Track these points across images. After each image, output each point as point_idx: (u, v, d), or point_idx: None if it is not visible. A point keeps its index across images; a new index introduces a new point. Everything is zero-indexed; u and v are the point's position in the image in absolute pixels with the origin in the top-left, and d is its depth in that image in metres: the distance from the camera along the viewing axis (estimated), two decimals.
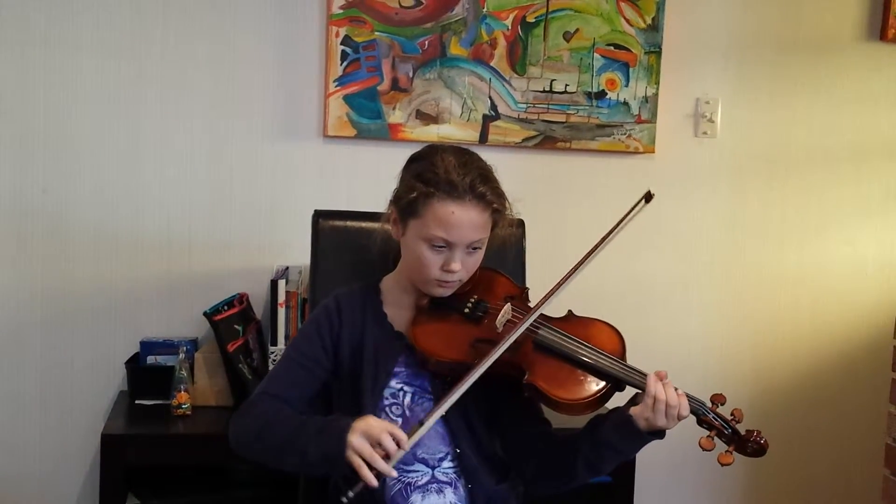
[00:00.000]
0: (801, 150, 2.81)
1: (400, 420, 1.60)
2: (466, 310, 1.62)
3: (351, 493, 1.39)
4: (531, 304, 1.61)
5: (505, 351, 1.48)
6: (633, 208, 1.60)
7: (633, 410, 1.51)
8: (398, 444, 1.41)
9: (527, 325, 1.54)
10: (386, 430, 1.41)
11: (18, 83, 2.36)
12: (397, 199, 1.61)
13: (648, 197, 1.60)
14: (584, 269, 1.58)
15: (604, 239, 1.58)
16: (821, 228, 2.84)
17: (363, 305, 1.66)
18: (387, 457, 1.40)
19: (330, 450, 1.43)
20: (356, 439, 1.40)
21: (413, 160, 1.62)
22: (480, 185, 1.54)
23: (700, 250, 2.78)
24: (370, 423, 1.43)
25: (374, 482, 1.38)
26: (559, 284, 1.57)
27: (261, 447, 1.54)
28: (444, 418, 1.59)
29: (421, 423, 1.44)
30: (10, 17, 2.34)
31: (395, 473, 1.41)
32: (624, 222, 1.59)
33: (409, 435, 1.42)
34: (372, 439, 1.41)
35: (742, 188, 2.79)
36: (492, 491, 1.63)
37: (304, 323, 1.68)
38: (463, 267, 1.57)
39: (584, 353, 1.56)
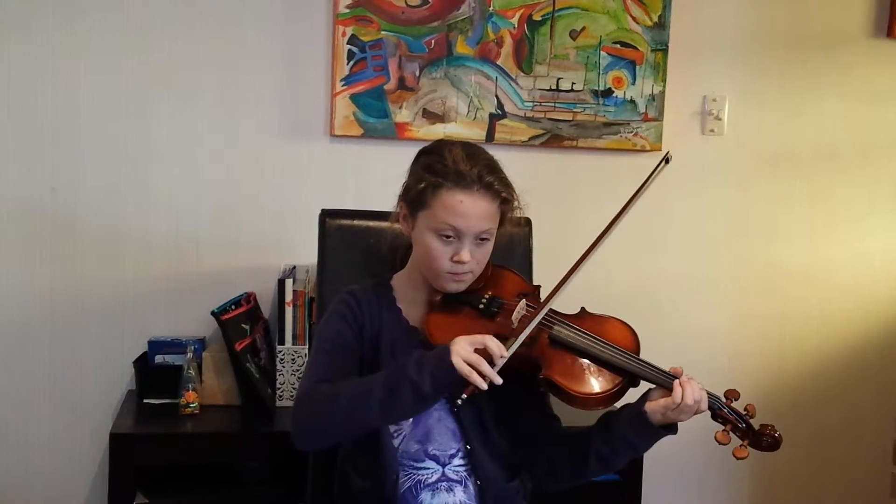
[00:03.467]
0: (809, 148, 2.80)
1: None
2: (481, 306, 1.62)
3: (464, 396, 1.40)
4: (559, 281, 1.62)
5: (521, 346, 1.49)
6: (653, 171, 1.63)
7: (648, 406, 1.52)
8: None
9: (564, 288, 1.55)
10: (488, 337, 1.43)
11: (27, 83, 2.36)
12: (406, 193, 1.62)
13: (668, 159, 1.64)
14: (602, 252, 1.59)
15: (626, 205, 1.61)
16: (829, 226, 2.84)
17: (378, 300, 1.67)
18: (490, 363, 1.41)
19: (437, 367, 1.41)
20: (461, 347, 1.41)
21: (422, 154, 1.64)
22: (488, 175, 1.56)
23: (708, 248, 2.78)
24: (469, 335, 1.44)
25: (483, 384, 1.39)
26: (591, 248, 1.58)
27: (345, 414, 1.47)
28: (456, 415, 1.59)
29: (515, 337, 1.47)
30: (18, 17, 2.34)
31: (499, 380, 1.40)
32: (646, 185, 1.62)
33: (506, 346, 1.44)
34: (476, 343, 1.42)
35: (749, 186, 2.78)
36: (501, 489, 1.63)
37: (325, 318, 1.66)
38: (472, 258, 1.57)
39: (599, 348, 1.57)
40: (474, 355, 1.41)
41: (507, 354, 1.43)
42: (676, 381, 1.51)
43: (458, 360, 1.40)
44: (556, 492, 1.68)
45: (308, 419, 1.50)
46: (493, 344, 1.42)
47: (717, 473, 2.83)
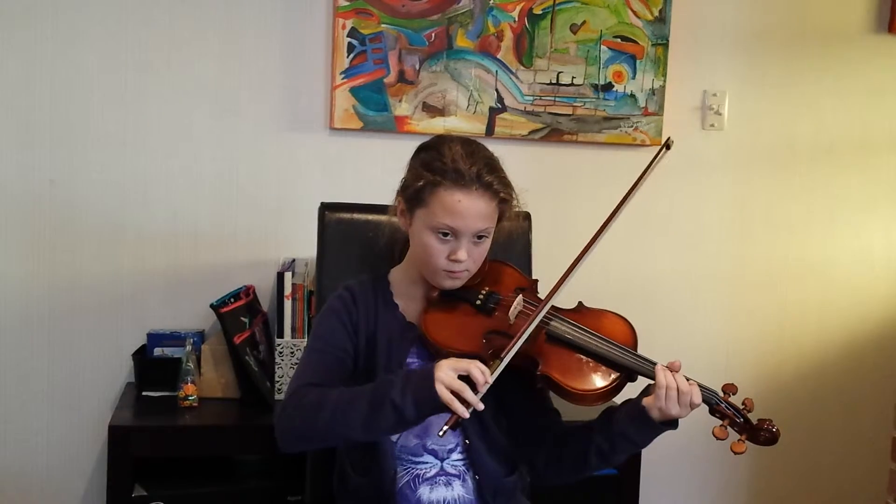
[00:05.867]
0: (809, 143, 2.80)
1: None
2: (478, 302, 1.62)
3: (446, 428, 1.39)
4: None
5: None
6: (655, 157, 1.63)
7: (646, 401, 1.52)
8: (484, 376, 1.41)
9: (561, 289, 1.54)
10: (472, 363, 1.41)
11: (26, 76, 2.36)
12: (404, 189, 1.61)
13: (668, 144, 1.64)
14: (601, 247, 1.58)
15: (628, 193, 1.61)
16: (828, 221, 2.84)
17: (374, 296, 1.66)
18: (474, 389, 1.40)
19: (420, 391, 1.40)
20: (444, 374, 1.40)
21: (421, 150, 1.63)
22: (487, 175, 1.55)
23: (707, 243, 2.78)
24: (453, 360, 1.43)
25: (465, 413, 1.37)
26: (592, 241, 1.58)
27: (327, 425, 1.46)
28: None
29: (500, 359, 1.45)
30: (18, 10, 2.34)
31: (482, 406, 1.39)
32: (648, 172, 1.62)
33: (491, 370, 1.42)
34: (460, 370, 1.40)
35: (749, 181, 2.78)
36: (500, 483, 1.63)
37: (321, 314, 1.66)
38: (469, 257, 1.57)
39: (596, 343, 1.57)
40: (458, 382, 1.39)
41: (491, 380, 1.41)
42: (658, 366, 1.51)
43: (440, 388, 1.38)
44: (556, 486, 1.68)
45: (290, 424, 1.50)
46: (476, 372, 1.40)
47: (715, 468, 2.83)
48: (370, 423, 1.43)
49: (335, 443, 1.54)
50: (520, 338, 1.48)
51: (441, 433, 1.38)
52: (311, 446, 1.57)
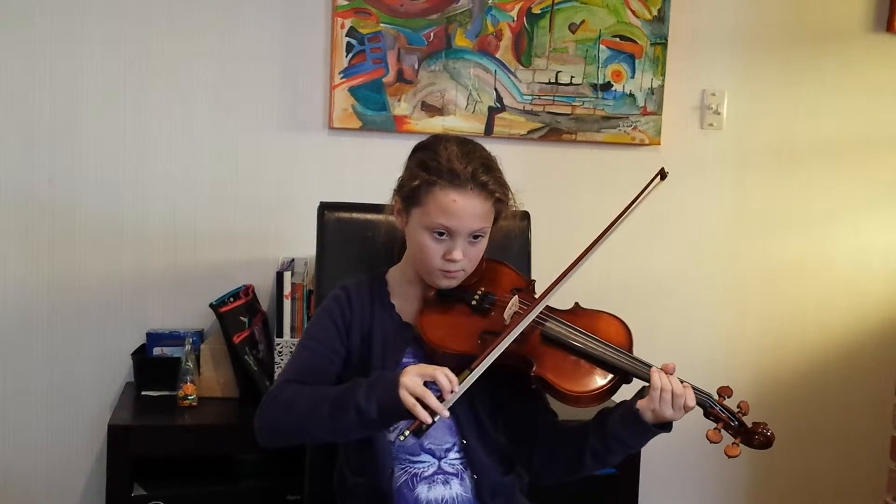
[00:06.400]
0: (808, 142, 2.80)
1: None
2: (474, 302, 1.62)
3: (407, 433, 1.39)
4: (538, 297, 1.61)
5: (512, 343, 1.49)
6: (647, 186, 1.62)
7: (640, 403, 1.52)
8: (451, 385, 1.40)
9: (552, 294, 1.53)
10: (440, 370, 1.41)
11: (25, 76, 2.36)
12: (401, 188, 1.62)
13: (663, 175, 1.63)
14: (595, 253, 1.58)
15: (619, 217, 1.60)
16: (827, 221, 2.83)
17: (371, 296, 1.67)
18: (440, 397, 1.39)
19: (384, 395, 1.41)
20: (409, 379, 1.40)
21: (417, 149, 1.63)
22: (483, 175, 1.55)
23: (705, 243, 2.78)
24: (422, 366, 1.43)
25: (428, 419, 1.37)
26: (575, 263, 1.57)
27: (296, 423, 1.48)
28: (451, 409, 1.59)
29: (470, 370, 1.44)
30: (16, 10, 2.34)
31: (447, 414, 1.39)
32: (639, 200, 1.61)
33: (460, 380, 1.42)
34: (426, 376, 1.40)
35: (748, 180, 2.78)
36: (497, 482, 1.63)
37: (316, 313, 1.67)
38: (465, 257, 1.57)
39: (591, 345, 1.56)
40: (421, 388, 1.39)
41: (459, 390, 1.41)
42: (653, 369, 1.51)
43: (403, 393, 1.38)
44: (553, 485, 1.68)
45: (266, 418, 1.53)
46: (443, 378, 1.39)
47: (713, 468, 2.83)
48: (334, 424, 1.45)
49: (307, 440, 1.57)
50: (493, 349, 1.46)
51: (402, 437, 1.39)
52: (286, 442, 1.58)
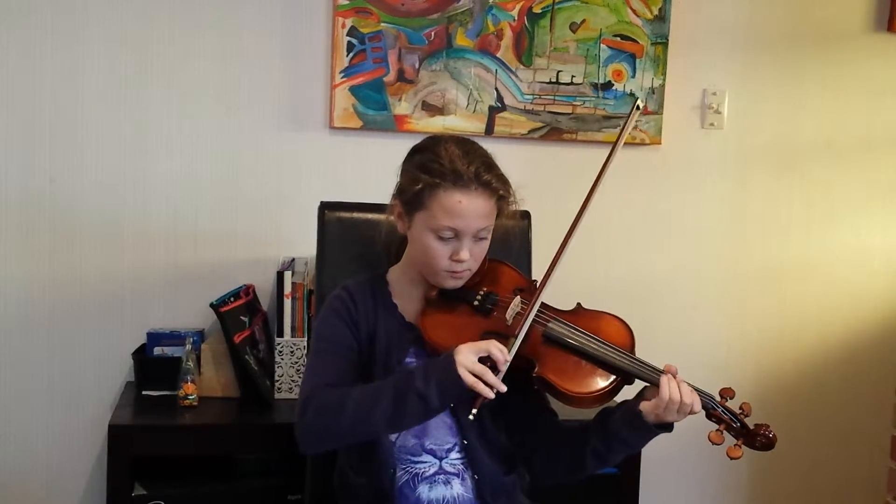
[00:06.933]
0: (808, 142, 2.80)
1: None
2: (476, 302, 1.62)
3: (475, 410, 1.41)
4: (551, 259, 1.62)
5: None
6: (626, 121, 1.67)
7: (643, 406, 1.52)
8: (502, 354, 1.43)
9: (554, 274, 1.56)
10: (492, 343, 1.43)
11: (26, 75, 2.36)
12: (401, 192, 1.61)
13: (638, 107, 1.67)
14: (587, 214, 1.63)
15: (607, 160, 1.65)
16: (827, 220, 2.83)
17: (373, 296, 1.66)
18: (495, 369, 1.41)
19: (444, 377, 1.42)
20: (465, 357, 1.42)
21: (415, 152, 1.62)
22: (485, 173, 1.55)
23: (706, 242, 2.78)
24: (472, 343, 1.45)
25: (490, 394, 1.40)
26: (572, 227, 1.62)
27: (351, 424, 1.48)
28: (452, 410, 1.59)
29: (515, 336, 1.47)
30: (17, 9, 2.34)
31: (504, 387, 1.41)
32: (622, 136, 1.64)
33: (508, 347, 1.44)
34: (481, 351, 1.42)
35: (749, 180, 2.78)
36: (498, 482, 1.63)
37: (321, 316, 1.66)
38: (471, 256, 1.57)
39: (593, 346, 1.56)
40: (479, 365, 1.41)
41: (510, 358, 1.43)
42: (663, 377, 1.51)
43: (464, 372, 1.40)
44: (554, 485, 1.68)
45: (313, 425, 1.51)
46: (496, 350, 1.42)
47: (714, 467, 2.83)
48: (396, 417, 1.46)
49: (359, 439, 1.55)
50: (530, 313, 1.49)
51: (471, 416, 1.40)
52: (334, 446, 1.59)
